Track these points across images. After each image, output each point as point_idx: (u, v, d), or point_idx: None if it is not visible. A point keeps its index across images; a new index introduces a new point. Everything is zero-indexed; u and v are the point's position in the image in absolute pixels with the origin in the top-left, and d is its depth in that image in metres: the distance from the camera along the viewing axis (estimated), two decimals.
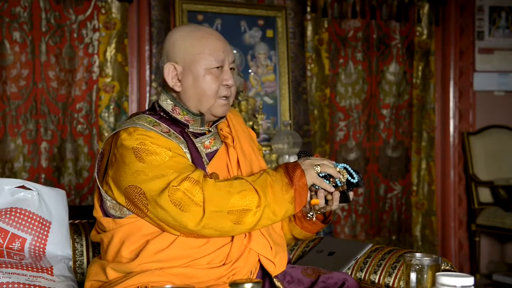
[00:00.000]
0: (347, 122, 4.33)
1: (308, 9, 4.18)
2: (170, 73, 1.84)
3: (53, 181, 3.57)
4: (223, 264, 1.79)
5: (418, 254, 1.69)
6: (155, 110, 1.90)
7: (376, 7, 4.36)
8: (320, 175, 1.82)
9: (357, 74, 4.34)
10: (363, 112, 4.37)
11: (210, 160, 1.87)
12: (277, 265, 1.87)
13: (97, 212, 1.86)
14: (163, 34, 3.75)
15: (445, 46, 4.64)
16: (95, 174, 1.86)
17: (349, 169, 1.86)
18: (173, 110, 1.87)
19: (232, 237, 1.81)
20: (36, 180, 3.48)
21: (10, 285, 1.81)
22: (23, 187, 2.06)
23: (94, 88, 3.67)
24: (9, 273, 1.84)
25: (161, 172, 1.71)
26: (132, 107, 3.79)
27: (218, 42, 1.85)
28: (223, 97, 1.87)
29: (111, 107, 3.71)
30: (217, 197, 1.69)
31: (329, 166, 1.82)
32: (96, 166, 1.86)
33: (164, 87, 1.90)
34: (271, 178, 1.76)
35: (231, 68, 1.89)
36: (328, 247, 2.43)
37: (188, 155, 1.81)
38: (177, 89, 1.85)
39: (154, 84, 3.74)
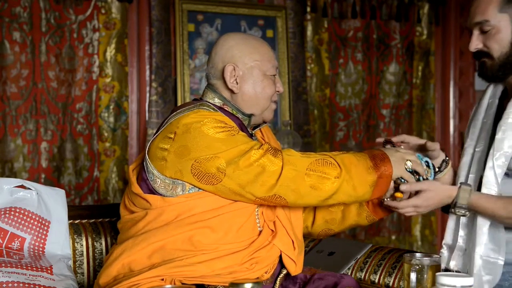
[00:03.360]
0: (347, 122, 4.33)
1: (308, 9, 4.18)
2: (229, 74, 1.91)
3: (53, 181, 3.57)
4: (245, 248, 1.83)
5: (418, 254, 1.69)
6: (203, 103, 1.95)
7: (376, 7, 4.35)
8: (408, 170, 1.87)
9: (357, 74, 4.34)
10: (363, 112, 4.37)
11: None
12: (297, 264, 1.92)
13: (137, 189, 1.87)
14: (163, 34, 3.75)
15: (445, 46, 4.64)
16: (145, 153, 1.87)
17: (430, 164, 1.92)
18: (222, 109, 1.94)
19: (260, 231, 1.87)
20: (36, 180, 3.48)
21: (10, 284, 1.81)
22: (22, 186, 2.06)
23: (94, 88, 3.67)
24: (9, 272, 1.84)
25: (237, 143, 1.78)
26: (132, 107, 3.79)
27: (271, 52, 1.99)
28: (274, 101, 1.99)
29: (111, 107, 3.71)
30: (295, 159, 1.78)
31: (418, 163, 1.87)
32: (147, 146, 1.88)
33: (211, 87, 1.97)
34: (355, 157, 1.82)
35: None
36: (328, 247, 2.44)
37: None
38: (236, 90, 1.92)
39: (154, 84, 3.73)
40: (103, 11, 3.69)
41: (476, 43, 1.90)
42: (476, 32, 1.89)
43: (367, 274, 2.24)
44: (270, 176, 1.75)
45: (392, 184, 1.89)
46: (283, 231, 1.90)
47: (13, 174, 3.48)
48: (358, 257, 2.30)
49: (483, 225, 1.83)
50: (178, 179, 1.80)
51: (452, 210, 1.86)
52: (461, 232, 1.92)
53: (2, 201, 2.01)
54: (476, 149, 1.94)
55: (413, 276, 1.59)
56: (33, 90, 3.55)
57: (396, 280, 2.16)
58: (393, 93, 4.45)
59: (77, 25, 3.63)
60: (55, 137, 3.59)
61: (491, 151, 1.84)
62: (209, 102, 1.93)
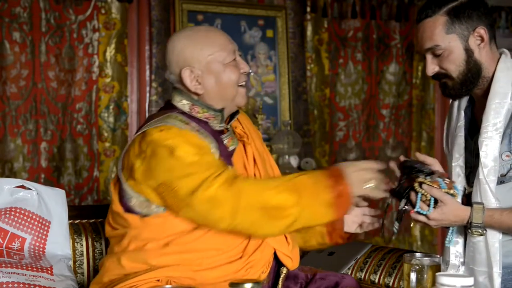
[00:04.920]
0: (347, 122, 4.33)
1: (308, 9, 4.18)
2: (188, 78, 1.84)
3: (52, 181, 3.57)
4: (240, 257, 1.79)
5: (418, 254, 1.69)
6: (173, 109, 1.88)
7: (376, 7, 4.35)
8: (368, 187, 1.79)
9: (356, 74, 4.34)
10: (363, 112, 4.37)
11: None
12: (293, 259, 1.89)
13: (117, 207, 1.83)
14: (163, 34, 3.75)
15: None
16: (119, 170, 1.84)
17: (443, 185, 1.84)
18: (191, 110, 1.87)
19: None
20: (36, 180, 3.48)
21: (10, 285, 1.81)
22: (22, 186, 2.06)
23: (93, 88, 3.67)
24: (9, 272, 1.84)
25: (194, 170, 1.71)
26: (132, 107, 3.79)
27: (222, 37, 1.88)
28: (242, 84, 1.90)
29: (111, 107, 3.71)
30: (249, 192, 1.69)
31: (379, 182, 1.77)
32: (120, 162, 1.84)
33: (178, 90, 1.90)
34: (311, 179, 1.74)
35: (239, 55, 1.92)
36: (328, 247, 2.43)
37: (218, 154, 1.81)
38: (200, 91, 1.85)
39: (154, 84, 3.74)
40: (103, 11, 3.69)
41: (432, 67, 1.88)
42: (429, 57, 1.88)
43: (367, 274, 2.24)
44: (222, 216, 1.68)
45: (402, 204, 1.84)
46: None
47: (13, 174, 3.48)
48: (358, 257, 2.30)
49: (495, 242, 1.82)
50: (149, 199, 1.78)
51: (469, 231, 1.84)
52: (453, 250, 1.91)
53: (2, 201, 2.01)
54: (453, 164, 1.94)
55: (413, 276, 1.59)
56: (33, 90, 3.55)
57: (396, 280, 2.16)
58: (393, 93, 4.45)
59: (77, 25, 3.63)
60: (55, 137, 3.59)
61: (480, 170, 1.83)
62: (177, 108, 1.87)
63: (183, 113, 1.86)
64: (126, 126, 3.74)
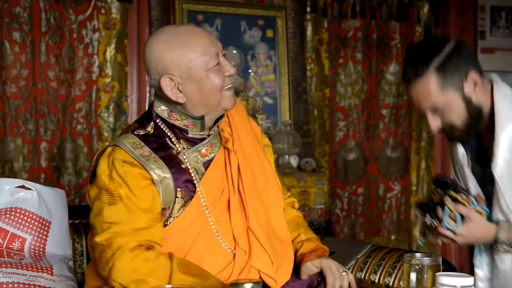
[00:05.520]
0: (347, 122, 4.33)
1: (308, 9, 4.18)
2: (168, 86, 1.74)
3: (52, 181, 3.57)
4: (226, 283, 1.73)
5: (418, 254, 1.69)
6: (148, 120, 1.83)
7: (376, 7, 4.35)
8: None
9: (356, 74, 4.34)
10: (363, 112, 4.37)
11: (206, 169, 1.81)
12: (278, 280, 1.81)
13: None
14: None
15: None
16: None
17: (474, 203, 1.86)
18: (169, 117, 1.80)
19: (234, 255, 1.77)
20: (36, 180, 3.48)
21: (10, 285, 1.81)
22: (23, 187, 2.06)
23: (93, 88, 3.67)
24: (9, 273, 1.84)
25: (105, 220, 1.73)
26: (132, 107, 3.79)
27: (204, 39, 1.75)
28: (227, 87, 1.79)
29: (111, 107, 3.71)
30: (121, 271, 1.66)
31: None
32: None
33: (158, 95, 1.82)
34: (202, 281, 1.64)
35: (223, 55, 1.81)
36: (328, 247, 2.43)
37: (170, 180, 1.73)
38: (181, 100, 1.75)
39: None
40: (103, 11, 3.69)
41: (435, 125, 1.88)
42: (429, 114, 1.87)
43: (367, 274, 2.24)
44: (102, 269, 1.70)
45: (428, 220, 1.86)
46: (259, 247, 1.78)
47: (13, 174, 3.48)
48: (358, 257, 2.30)
49: None
50: None
51: (495, 247, 1.85)
52: (480, 273, 1.92)
53: (2, 202, 2.01)
54: (473, 194, 1.94)
55: (413, 276, 1.59)
56: (33, 90, 3.55)
57: (396, 280, 2.16)
58: (393, 93, 4.45)
59: (77, 25, 3.63)
60: (55, 137, 3.59)
61: (501, 200, 1.83)
62: (145, 123, 1.82)
63: (144, 135, 1.79)
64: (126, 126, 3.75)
